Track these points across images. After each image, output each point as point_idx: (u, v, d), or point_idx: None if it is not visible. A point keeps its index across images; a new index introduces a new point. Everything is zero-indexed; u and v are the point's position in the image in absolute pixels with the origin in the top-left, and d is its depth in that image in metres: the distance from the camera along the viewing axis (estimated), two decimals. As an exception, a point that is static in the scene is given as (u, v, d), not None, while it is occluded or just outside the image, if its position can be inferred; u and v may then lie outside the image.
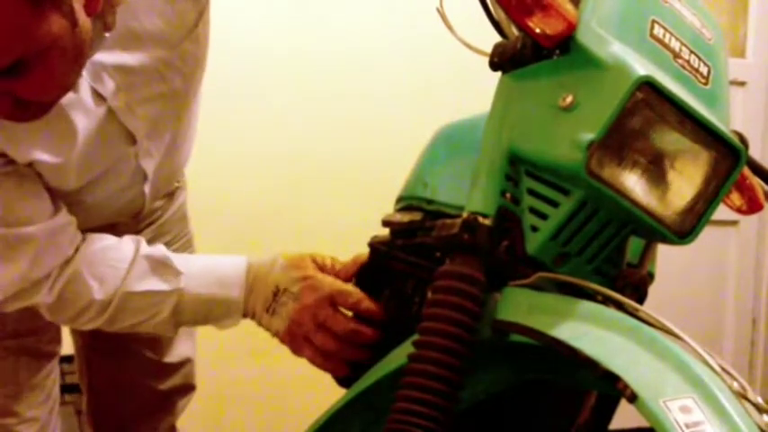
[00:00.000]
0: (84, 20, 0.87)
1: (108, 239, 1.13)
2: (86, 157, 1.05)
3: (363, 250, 1.19)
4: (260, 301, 1.10)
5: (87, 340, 1.47)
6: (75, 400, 1.75)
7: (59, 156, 1.03)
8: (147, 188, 1.20)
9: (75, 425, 1.73)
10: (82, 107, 1.02)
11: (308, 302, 1.07)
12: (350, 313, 1.09)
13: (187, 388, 1.52)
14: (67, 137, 1.02)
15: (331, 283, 1.09)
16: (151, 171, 1.17)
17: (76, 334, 1.47)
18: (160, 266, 1.11)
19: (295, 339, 1.09)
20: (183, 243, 1.41)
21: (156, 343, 1.44)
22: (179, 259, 1.12)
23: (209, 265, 1.13)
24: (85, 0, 0.87)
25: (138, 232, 1.30)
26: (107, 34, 0.95)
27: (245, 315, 1.13)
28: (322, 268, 1.12)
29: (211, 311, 1.12)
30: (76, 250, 1.09)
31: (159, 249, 1.13)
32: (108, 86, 1.03)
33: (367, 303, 1.08)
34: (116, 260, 1.10)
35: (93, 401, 1.52)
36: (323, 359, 1.08)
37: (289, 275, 1.09)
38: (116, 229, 1.26)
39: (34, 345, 1.25)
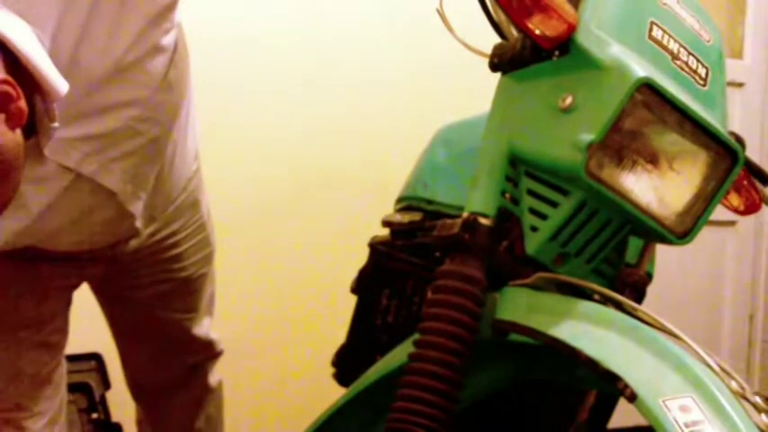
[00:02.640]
0: (9, 137, 0.87)
1: None
2: (50, 217, 1.05)
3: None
4: None
5: (113, 330, 1.54)
6: (77, 399, 1.75)
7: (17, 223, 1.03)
8: (138, 223, 1.20)
9: (77, 423, 1.73)
10: (37, 185, 1.01)
11: None
12: None
13: (214, 355, 1.60)
14: (22, 211, 1.02)
15: None
16: (140, 211, 1.17)
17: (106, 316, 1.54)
18: None
19: None
20: (194, 228, 1.42)
21: (180, 324, 1.50)
22: None
23: None
24: (6, 116, 0.87)
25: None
26: (55, 124, 0.94)
27: None
28: None
29: None
30: None
31: None
32: (73, 157, 1.02)
33: None
34: None
35: (129, 374, 1.62)
36: None
37: None
38: None
39: (41, 336, 1.25)
